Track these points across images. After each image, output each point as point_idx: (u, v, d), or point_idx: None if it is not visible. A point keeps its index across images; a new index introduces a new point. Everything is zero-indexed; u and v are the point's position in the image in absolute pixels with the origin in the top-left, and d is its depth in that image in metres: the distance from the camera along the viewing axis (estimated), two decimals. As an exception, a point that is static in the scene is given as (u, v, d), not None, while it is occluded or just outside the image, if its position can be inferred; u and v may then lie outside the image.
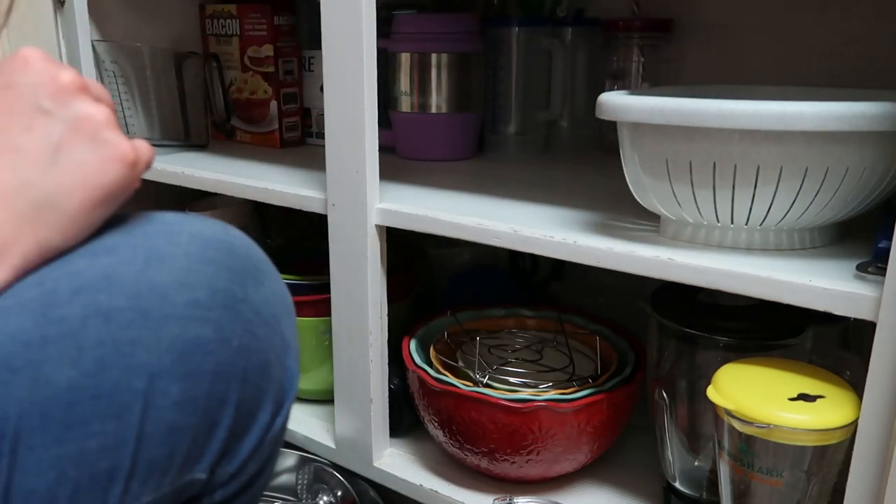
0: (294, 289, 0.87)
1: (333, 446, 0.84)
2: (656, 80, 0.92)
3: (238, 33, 1.04)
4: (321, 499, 0.87)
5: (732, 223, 0.56)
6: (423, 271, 0.98)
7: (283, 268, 0.93)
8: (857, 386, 0.53)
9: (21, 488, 0.35)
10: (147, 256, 0.39)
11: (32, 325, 0.36)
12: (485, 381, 0.72)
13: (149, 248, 0.39)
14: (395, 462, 0.81)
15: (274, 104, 1.04)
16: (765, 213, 0.54)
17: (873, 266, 0.50)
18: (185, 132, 1.01)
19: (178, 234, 0.41)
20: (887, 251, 0.47)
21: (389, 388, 0.80)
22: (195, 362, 0.39)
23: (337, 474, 0.84)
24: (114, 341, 0.37)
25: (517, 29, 0.95)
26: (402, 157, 0.96)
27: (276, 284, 0.46)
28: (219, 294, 0.40)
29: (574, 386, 0.71)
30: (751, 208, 0.54)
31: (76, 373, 0.36)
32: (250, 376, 0.42)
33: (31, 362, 0.35)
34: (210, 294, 0.40)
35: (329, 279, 0.77)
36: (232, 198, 0.98)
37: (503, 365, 0.82)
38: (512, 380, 0.74)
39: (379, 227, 0.73)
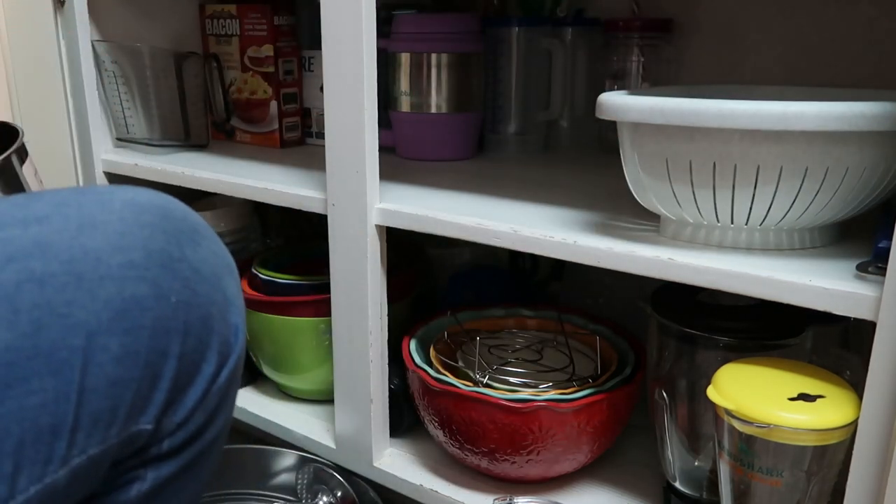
0: (294, 289, 0.88)
1: (333, 446, 0.84)
2: (656, 80, 0.92)
3: (238, 33, 1.04)
4: (321, 499, 0.87)
5: (732, 223, 0.56)
6: (423, 271, 0.98)
7: (282, 268, 0.94)
8: (857, 386, 0.53)
9: None
10: (80, 223, 0.41)
11: None
12: (485, 381, 0.72)
13: (82, 216, 0.41)
14: (395, 462, 0.81)
15: (274, 104, 1.04)
16: (765, 213, 0.54)
17: (873, 266, 0.50)
18: (185, 132, 1.01)
19: (110, 202, 0.42)
20: (887, 251, 0.47)
21: (389, 388, 0.80)
22: (133, 318, 0.41)
23: (336, 475, 0.84)
24: (49, 303, 0.38)
25: (517, 29, 0.95)
26: (402, 157, 0.96)
27: (214, 245, 0.47)
28: (154, 254, 0.42)
29: (574, 386, 0.71)
30: (751, 208, 0.54)
31: (13, 335, 0.37)
32: (192, 330, 0.44)
33: None
34: (145, 255, 0.42)
35: (329, 279, 0.77)
36: (232, 198, 0.98)
37: (503, 365, 0.82)
38: (512, 380, 0.74)
39: (379, 227, 0.73)
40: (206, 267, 0.45)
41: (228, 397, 0.49)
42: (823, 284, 0.50)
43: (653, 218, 0.64)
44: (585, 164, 0.92)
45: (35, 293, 0.38)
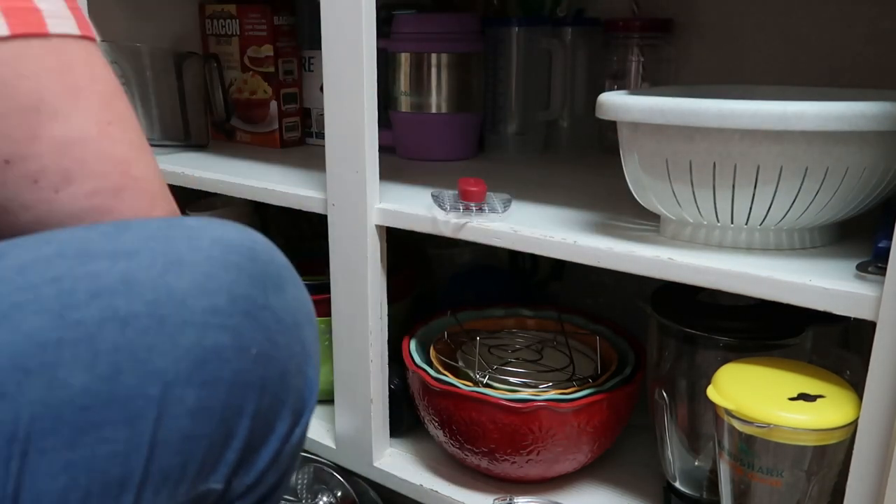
0: (294, 289, 0.88)
1: (333, 446, 0.84)
2: (656, 80, 0.92)
3: (238, 33, 1.04)
4: (321, 499, 0.87)
5: (732, 223, 0.56)
6: (423, 271, 0.98)
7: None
8: (857, 386, 0.53)
9: (31, 492, 0.35)
10: (167, 261, 0.38)
11: (49, 327, 0.35)
12: (485, 381, 0.72)
13: (169, 253, 0.39)
14: (395, 462, 0.81)
15: (274, 104, 1.04)
16: (765, 213, 0.54)
17: (873, 266, 0.50)
18: (185, 132, 1.01)
19: (199, 239, 0.40)
20: (887, 251, 0.47)
21: (389, 388, 0.80)
22: (212, 370, 0.39)
23: (337, 475, 0.84)
24: (129, 347, 0.36)
25: (517, 29, 0.95)
26: (402, 157, 0.96)
27: (298, 291, 0.45)
28: (239, 300, 0.40)
29: (574, 386, 0.71)
30: (751, 208, 0.54)
31: (91, 377, 0.36)
32: (269, 386, 0.42)
33: (46, 364, 0.35)
34: (230, 300, 0.39)
35: (329, 279, 0.77)
36: (232, 198, 0.98)
37: (503, 365, 0.82)
38: (512, 380, 0.74)
39: (379, 227, 0.73)
40: (288, 316, 0.43)
41: (298, 456, 0.47)
42: (823, 284, 0.50)
43: (653, 218, 0.64)
44: (585, 164, 0.92)
45: (117, 334, 0.36)
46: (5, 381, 0.34)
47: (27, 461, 0.35)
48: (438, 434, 0.76)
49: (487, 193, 0.67)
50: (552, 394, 0.69)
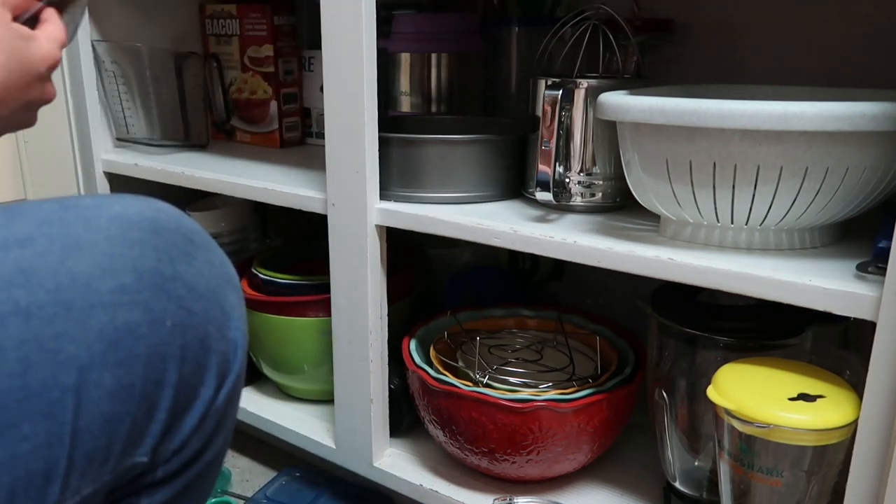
0: (294, 289, 0.88)
1: (333, 446, 0.84)
2: (656, 80, 0.91)
3: (238, 33, 1.04)
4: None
5: (732, 223, 0.56)
6: (423, 271, 0.98)
7: (282, 268, 0.93)
8: (857, 386, 0.53)
9: None
10: (65, 245, 0.37)
11: None
12: (485, 381, 0.72)
13: (66, 237, 0.38)
14: (395, 462, 0.81)
15: (274, 104, 1.04)
16: (765, 213, 0.54)
17: (873, 266, 0.50)
18: (185, 132, 1.01)
19: (96, 219, 0.39)
20: (887, 251, 0.47)
21: (389, 388, 0.80)
22: (127, 348, 0.38)
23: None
24: (37, 338, 0.35)
25: (517, 29, 0.95)
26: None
27: (210, 255, 0.44)
28: (146, 275, 0.39)
29: (574, 386, 0.71)
30: (751, 208, 0.54)
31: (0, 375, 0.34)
32: (189, 353, 0.41)
33: None
34: (136, 277, 0.39)
35: (329, 279, 0.77)
36: (232, 198, 0.98)
37: (503, 365, 0.82)
38: (512, 380, 0.74)
39: (379, 227, 0.73)
40: (201, 282, 0.42)
41: (227, 417, 0.46)
42: (823, 284, 0.50)
43: (653, 218, 0.64)
44: (585, 164, 0.92)
45: (21, 327, 0.35)
46: None
47: None
48: (438, 434, 0.76)
49: None
50: (552, 394, 0.69)
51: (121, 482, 0.41)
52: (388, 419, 0.81)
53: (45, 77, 0.51)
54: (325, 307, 0.80)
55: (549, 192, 0.65)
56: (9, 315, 0.35)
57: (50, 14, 0.56)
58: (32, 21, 0.55)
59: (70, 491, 0.37)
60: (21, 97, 0.51)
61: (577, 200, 0.69)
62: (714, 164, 0.53)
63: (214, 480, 0.49)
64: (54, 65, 0.52)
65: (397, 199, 0.73)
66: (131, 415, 0.39)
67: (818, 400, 0.53)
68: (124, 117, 0.98)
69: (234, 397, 0.46)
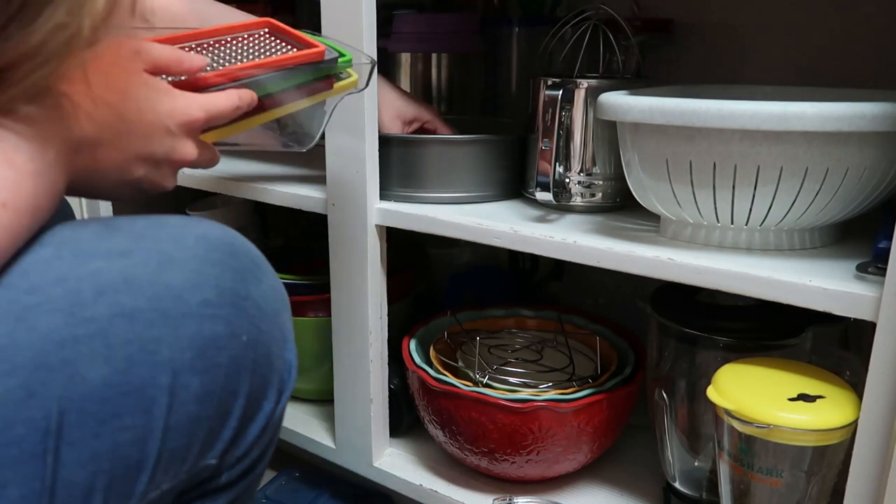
0: (294, 289, 0.88)
1: (333, 446, 0.84)
2: (656, 81, 0.91)
3: (238, 33, 1.04)
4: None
5: (732, 223, 0.56)
6: (423, 271, 0.98)
7: (283, 268, 0.93)
8: (857, 386, 0.53)
9: (64, 482, 0.37)
10: (160, 259, 0.42)
11: (63, 325, 0.37)
12: (485, 381, 0.72)
13: (160, 252, 0.42)
14: (395, 462, 0.81)
15: (274, 104, 1.03)
16: (765, 214, 0.54)
17: (873, 266, 0.50)
18: (185, 132, 1.00)
19: (185, 238, 0.43)
20: (887, 251, 0.47)
21: (389, 388, 0.80)
22: (212, 357, 0.42)
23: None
24: (139, 339, 0.39)
25: (517, 29, 0.95)
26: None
27: (273, 281, 0.48)
28: (226, 292, 0.43)
29: (574, 386, 0.71)
30: (751, 208, 0.54)
31: (108, 370, 0.38)
32: (258, 368, 0.45)
33: (66, 360, 0.37)
34: (218, 293, 0.43)
35: (329, 279, 0.77)
36: (232, 198, 0.98)
37: (503, 365, 0.82)
38: (512, 380, 0.74)
39: (379, 227, 0.73)
40: (267, 303, 0.46)
41: (279, 431, 0.52)
42: (823, 285, 0.50)
43: (653, 218, 0.64)
44: (585, 164, 0.92)
45: (126, 329, 0.39)
46: (32, 380, 0.36)
47: (60, 454, 0.37)
48: (438, 434, 0.76)
49: None
50: (552, 394, 0.69)
51: (191, 483, 0.45)
52: (387, 419, 0.81)
53: (174, 133, 0.48)
54: (325, 307, 0.80)
55: (549, 192, 0.65)
56: (116, 317, 0.39)
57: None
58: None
59: (154, 483, 0.41)
60: (139, 148, 0.47)
61: (577, 200, 0.70)
62: (714, 164, 0.53)
63: (255, 494, 0.53)
64: (187, 122, 0.48)
65: (397, 199, 0.73)
66: (210, 419, 0.43)
67: (818, 400, 0.53)
68: (124, 117, 0.98)
69: (283, 413, 0.51)
